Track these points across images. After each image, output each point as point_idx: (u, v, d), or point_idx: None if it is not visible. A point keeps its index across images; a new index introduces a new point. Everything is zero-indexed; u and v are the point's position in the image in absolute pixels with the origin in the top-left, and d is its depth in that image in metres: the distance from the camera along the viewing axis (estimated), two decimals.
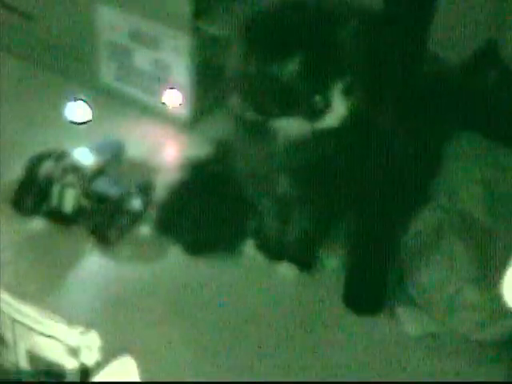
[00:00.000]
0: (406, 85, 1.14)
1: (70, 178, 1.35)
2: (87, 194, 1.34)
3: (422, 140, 1.27)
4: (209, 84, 1.55)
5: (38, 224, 1.37)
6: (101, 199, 1.35)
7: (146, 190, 1.39)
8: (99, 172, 1.37)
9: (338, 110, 1.13)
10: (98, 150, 1.40)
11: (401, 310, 1.29)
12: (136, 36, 1.55)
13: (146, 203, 1.38)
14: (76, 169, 1.35)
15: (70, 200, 1.35)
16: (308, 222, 1.31)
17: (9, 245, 1.34)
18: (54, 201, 1.36)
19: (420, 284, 1.28)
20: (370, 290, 1.31)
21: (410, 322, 1.28)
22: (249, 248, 1.37)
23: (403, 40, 1.11)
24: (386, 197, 1.23)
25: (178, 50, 1.52)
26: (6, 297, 1.01)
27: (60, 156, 1.37)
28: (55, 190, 1.35)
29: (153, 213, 1.38)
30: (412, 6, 1.09)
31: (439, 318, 1.26)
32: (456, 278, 1.25)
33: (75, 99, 1.37)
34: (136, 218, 1.37)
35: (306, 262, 1.34)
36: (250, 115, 1.15)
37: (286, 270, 1.34)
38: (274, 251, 1.35)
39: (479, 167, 1.30)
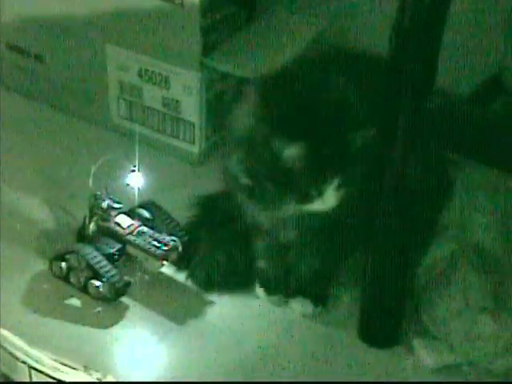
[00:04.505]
0: (414, 118, 1.15)
1: None
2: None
3: (433, 172, 1.27)
4: (218, 121, 1.56)
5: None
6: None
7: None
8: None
9: None
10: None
11: (417, 342, 1.29)
12: (145, 75, 1.57)
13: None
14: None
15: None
16: (318, 259, 1.31)
17: (21, 288, 1.34)
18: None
19: (435, 316, 1.27)
20: (385, 323, 1.30)
21: (426, 354, 1.28)
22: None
23: (410, 76, 1.12)
24: (398, 230, 1.23)
25: (187, 87, 1.53)
26: (22, 344, 1.02)
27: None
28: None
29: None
30: (418, 43, 1.10)
31: (456, 349, 1.26)
32: (471, 309, 1.25)
33: (133, 170, 1.39)
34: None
35: (320, 296, 1.34)
36: (244, 180, 1.15)
37: (299, 305, 1.34)
38: (281, 288, 1.35)
39: (490, 197, 1.30)
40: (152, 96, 1.57)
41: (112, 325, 1.30)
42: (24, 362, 1.01)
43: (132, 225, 1.38)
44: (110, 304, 1.33)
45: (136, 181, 1.38)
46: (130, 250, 1.37)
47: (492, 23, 1.38)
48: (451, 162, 1.29)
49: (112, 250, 1.36)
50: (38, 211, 1.48)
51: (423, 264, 1.30)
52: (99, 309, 1.33)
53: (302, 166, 1.10)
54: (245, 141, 1.14)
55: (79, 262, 1.33)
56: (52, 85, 1.69)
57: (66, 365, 1.00)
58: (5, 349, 1.03)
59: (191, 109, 1.55)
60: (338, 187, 1.13)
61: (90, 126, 1.64)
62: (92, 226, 1.38)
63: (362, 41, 1.54)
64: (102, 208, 1.38)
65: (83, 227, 1.39)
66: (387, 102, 1.14)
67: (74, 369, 0.99)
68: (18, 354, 1.01)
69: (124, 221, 1.38)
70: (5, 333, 1.05)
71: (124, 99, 1.61)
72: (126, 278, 1.34)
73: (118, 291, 1.33)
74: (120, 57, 1.58)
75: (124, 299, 1.34)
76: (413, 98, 1.12)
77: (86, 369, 0.99)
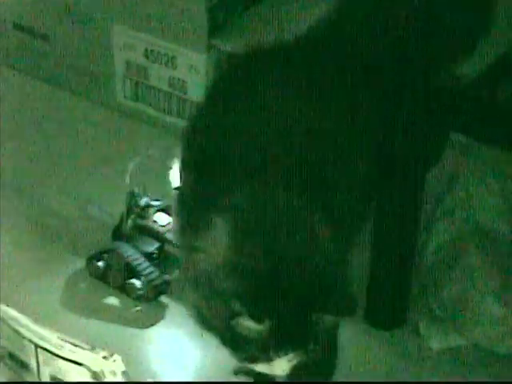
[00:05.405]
0: (422, 101, 1.14)
1: None
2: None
3: (440, 155, 1.27)
4: None
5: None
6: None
7: None
8: None
9: None
10: None
11: (423, 324, 1.29)
12: (152, 54, 1.56)
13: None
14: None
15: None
16: None
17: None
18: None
19: (442, 298, 1.27)
20: (392, 304, 1.30)
21: (432, 336, 1.28)
22: None
23: (419, 58, 1.11)
24: (405, 213, 1.23)
25: (193, 67, 1.53)
26: (29, 323, 1.02)
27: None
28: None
29: None
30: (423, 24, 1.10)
31: (461, 331, 1.26)
32: (477, 291, 1.25)
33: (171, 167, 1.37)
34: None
35: None
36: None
37: None
38: None
39: (497, 179, 1.30)
40: (158, 76, 1.57)
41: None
42: (29, 340, 1.01)
43: (170, 222, 1.33)
44: (149, 303, 1.30)
45: (175, 177, 1.36)
46: (169, 248, 1.33)
47: (500, 5, 1.37)
48: (458, 145, 1.28)
49: (151, 249, 1.32)
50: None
51: (430, 246, 1.30)
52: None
53: (259, 339, 0.96)
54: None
55: (117, 261, 1.30)
56: (58, 64, 1.68)
57: (72, 343, 1.00)
58: (10, 327, 1.03)
59: (197, 89, 1.54)
60: (291, 359, 0.99)
61: (96, 105, 1.64)
62: (129, 224, 1.34)
63: None
64: (139, 205, 1.34)
65: (120, 225, 1.35)
66: (391, 88, 1.13)
67: (80, 347, 0.99)
68: (23, 331, 1.01)
69: (162, 218, 1.34)
70: (8, 310, 1.05)
71: (130, 79, 1.61)
72: (165, 276, 1.31)
73: (158, 291, 1.30)
74: (126, 37, 1.57)
75: (162, 298, 1.31)
76: (420, 80, 1.11)
77: (93, 347, 0.99)
